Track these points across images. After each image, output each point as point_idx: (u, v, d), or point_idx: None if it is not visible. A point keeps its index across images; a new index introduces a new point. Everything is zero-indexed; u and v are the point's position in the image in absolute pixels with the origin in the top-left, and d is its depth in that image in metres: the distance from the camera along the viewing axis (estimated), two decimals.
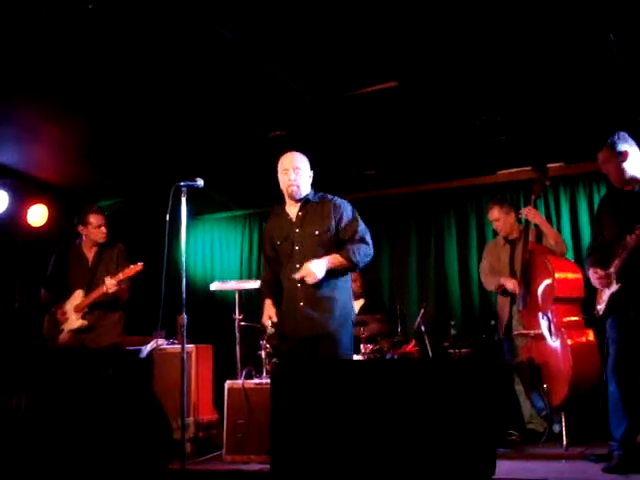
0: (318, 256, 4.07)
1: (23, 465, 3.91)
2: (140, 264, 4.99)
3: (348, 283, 4.26)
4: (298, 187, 4.19)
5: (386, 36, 4.31)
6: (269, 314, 4.20)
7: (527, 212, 5.30)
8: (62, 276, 5.28)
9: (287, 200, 4.30)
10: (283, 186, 4.24)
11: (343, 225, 4.18)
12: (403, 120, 5.66)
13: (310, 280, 4.00)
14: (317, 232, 4.15)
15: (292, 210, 4.27)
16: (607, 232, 4.13)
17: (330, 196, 4.30)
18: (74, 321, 5.11)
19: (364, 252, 4.13)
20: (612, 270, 3.95)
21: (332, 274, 4.08)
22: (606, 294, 4.00)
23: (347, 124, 5.69)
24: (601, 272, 4.02)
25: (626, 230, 3.84)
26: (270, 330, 4.24)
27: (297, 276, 4.04)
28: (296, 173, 4.19)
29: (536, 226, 5.42)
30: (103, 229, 5.26)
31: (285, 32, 4.25)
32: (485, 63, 4.68)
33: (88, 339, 5.11)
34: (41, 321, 5.34)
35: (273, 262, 4.36)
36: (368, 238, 4.19)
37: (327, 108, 5.35)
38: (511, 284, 5.34)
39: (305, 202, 4.25)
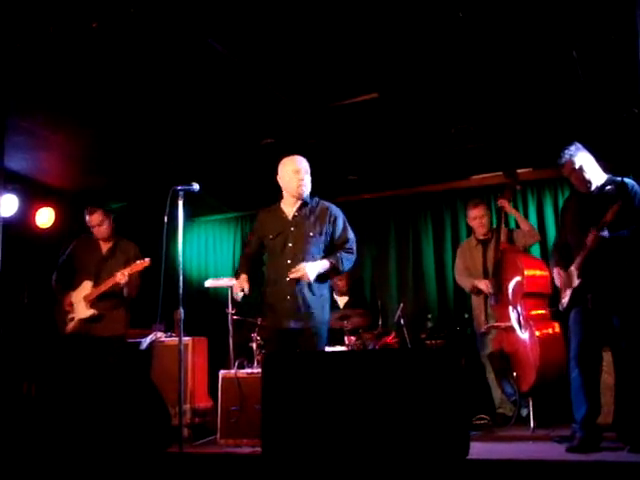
0: (309, 255, 4.12)
1: (29, 449, 3.91)
2: (147, 259, 4.97)
3: (329, 284, 4.33)
4: (307, 188, 4.24)
5: (369, 52, 4.34)
6: (242, 285, 4.20)
7: (504, 202, 5.32)
8: (74, 263, 5.25)
9: (286, 199, 4.30)
10: (291, 185, 4.22)
11: (337, 233, 4.24)
12: (384, 129, 5.65)
13: (303, 280, 4.06)
14: (312, 234, 4.17)
15: (288, 209, 4.27)
16: (568, 232, 4.18)
17: (327, 203, 4.33)
18: (84, 310, 5.05)
19: (350, 261, 4.23)
20: (573, 268, 4.00)
21: (322, 277, 4.14)
22: (569, 289, 4.06)
23: (332, 133, 5.68)
24: (563, 274, 4.10)
25: (584, 230, 3.89)
26: (240, 295, 4.22)
27: (292, 276, 4.06)
28: (307, 175, 4.23)
29: (507, 226, 5.45)
30: (102, 227, 5.19)
31: (276, 49, 4.27)
32: (459, 77, 4.69)
33: (95, 328, 5.07)
34: (50, 312, 5.29)
35: (251, 257, 4.40)
36: (355, 247, 4.28)
37: (314, 118, 5.35)
38: (484, 285, 5.33)
39: (303, 204, 4.27)
